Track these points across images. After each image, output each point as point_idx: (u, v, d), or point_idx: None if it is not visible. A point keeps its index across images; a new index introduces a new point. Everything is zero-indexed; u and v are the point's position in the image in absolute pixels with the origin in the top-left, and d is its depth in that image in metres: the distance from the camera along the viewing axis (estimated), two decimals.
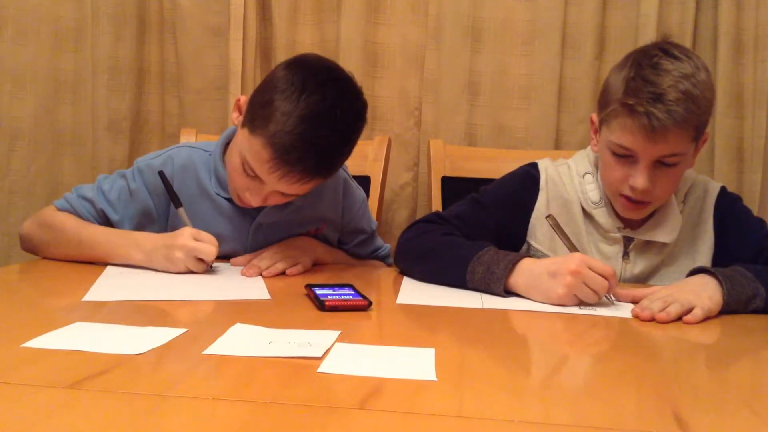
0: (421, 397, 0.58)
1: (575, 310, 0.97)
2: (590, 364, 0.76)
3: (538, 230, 1.25)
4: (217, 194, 1.23)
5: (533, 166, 1.29)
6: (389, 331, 0.87)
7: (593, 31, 1.77)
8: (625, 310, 0.98)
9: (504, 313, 0.96)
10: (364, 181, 1.59)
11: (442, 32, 1.80)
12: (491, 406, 0.58)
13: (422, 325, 0.89)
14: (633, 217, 1.20)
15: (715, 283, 1.00)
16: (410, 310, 0.96)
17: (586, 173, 1.25)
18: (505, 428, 0.53)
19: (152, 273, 1.10)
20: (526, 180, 1.27)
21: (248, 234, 1.25)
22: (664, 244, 1.21)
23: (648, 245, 1.22)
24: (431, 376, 0.64)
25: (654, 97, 1.06)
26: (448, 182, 1.65)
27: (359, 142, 1.74)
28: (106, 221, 1.22)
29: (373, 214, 1.51)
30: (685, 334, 0.89)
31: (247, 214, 1.24)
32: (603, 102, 1.18)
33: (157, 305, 0.91)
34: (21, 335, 0.70)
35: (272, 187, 1.13)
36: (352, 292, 0.95)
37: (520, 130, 1.81)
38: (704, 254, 1.22)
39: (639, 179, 1.11)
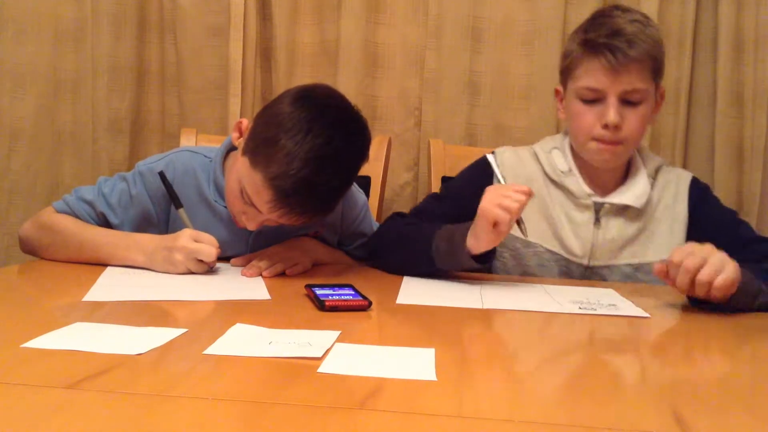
0: (421, 397, 0.58)
1: (575, 309, 0.97)
2: (590, 364, 0.76)
3: None
4: (216, 202, 1.23)
5: (491, 153, 1.29)
6: (389, 331, 0.87)
7: None
8: (624, 311, 0.98)
9: (504, 313, 0.96)
10: (364, 181, 1.58)
11: (442, 32, 1.80)
12: (491, 406, 0.58)
13: (422, 325, 0.89)
14: (608, 162, 1.23)
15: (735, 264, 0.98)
16: (410, 310, 0.96)
17: (554, 148, 1.30)
18: (505, 428, 0.53)
19: (152, 273, 1.10)
20: (481, 167, 1.29)
21: (248, 241, 1.24)
22: (636, 215, 1.24)
23: (619, 213, 1.25)
24: (431, 376, 0.64)
25: (612, 32, 1.15)
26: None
27: None
28: (105, 224, 1.22)
29: (373, 214, 1.50)
30: (685, 334, 0.89)
31: None
32: (564, 62, 1.26)
33: (157, 305, 0.91)
34: (21, 335, 0.70)
35: (269, 217, 1.13)
36: (352, 293, 0.95)
37: (520, 130, 1.81)
38: (679, 238, 1.25)
39: (610, 113, 1.16)
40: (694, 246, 0.99)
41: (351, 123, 1.14)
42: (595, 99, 1.19)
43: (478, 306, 0.97)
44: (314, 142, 1.06)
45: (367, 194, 1.50)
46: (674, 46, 1.77)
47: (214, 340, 0.72)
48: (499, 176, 1.20)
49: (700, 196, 1.27)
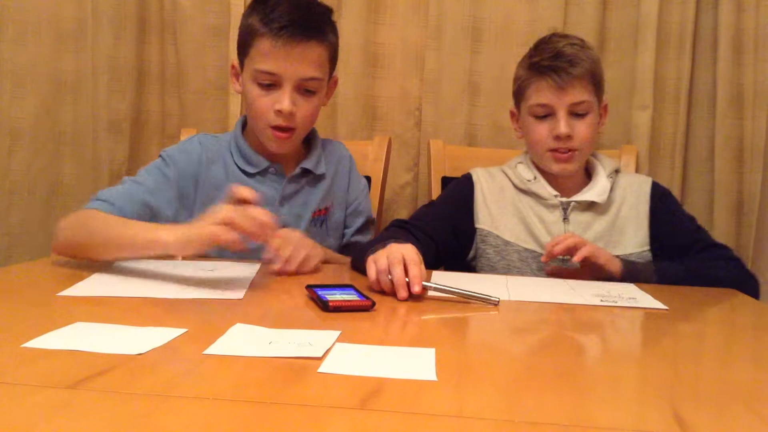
0: (421, 397, 0.58)
1: (597, 302, 0.98)
2: (590, 364, 0.76)
3: (481, 212, 1.38)
4: (243, 171, 1.31)
5: (467, 173, 1.45)
6: (389, 332, 0.87)
7: (593, 31, 1.77)
8: (643, 303, 0.98)
9: (504, 312, 0.96)
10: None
11: (442, 32, 1.80)
12: (491, 406, 0.58)
13: (422, 325, 0.89)
14: (566, 169, 1.35)
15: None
16: (411, 309, 0.96)
17: (518, 163, 1.43)
18: (505, 428, 0.53)
19: (137, 273, 1.08)
20: (462, 181, 1.44)
21: (275, 208, 1.29)
22: (602, 211, 1.36)
23: (585, 210, 1.37)
24: (431, 376, 0.64)
25: (554, 55, 1.32)
26: (448, 182, 1.65)
27: (359, 142, 1.74)
28: (147, 212, 1.20)
29: (374, 214, 1.52)
30: (685, 333, 0.89)
31: (272, 188, 1.32)
32: (516, 85, 1.41)
33: (158, 305, 0.90)
34: (21, 335, 0.70)
35: (289, 76, 1.23)
36: (355, 293, 0.95)
37: None
38: (642, 239, 1.35)
39: (561, 124, 1.31)
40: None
41: None
42: (546, 114, 1.33)
43: (505, 298, 1.01)
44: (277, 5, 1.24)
45: None
46: (674, 46, 1.77)
47: (214, 340, 0.72)
48: (479, 189, 1.39)
49: (661, 199, 1.39)
